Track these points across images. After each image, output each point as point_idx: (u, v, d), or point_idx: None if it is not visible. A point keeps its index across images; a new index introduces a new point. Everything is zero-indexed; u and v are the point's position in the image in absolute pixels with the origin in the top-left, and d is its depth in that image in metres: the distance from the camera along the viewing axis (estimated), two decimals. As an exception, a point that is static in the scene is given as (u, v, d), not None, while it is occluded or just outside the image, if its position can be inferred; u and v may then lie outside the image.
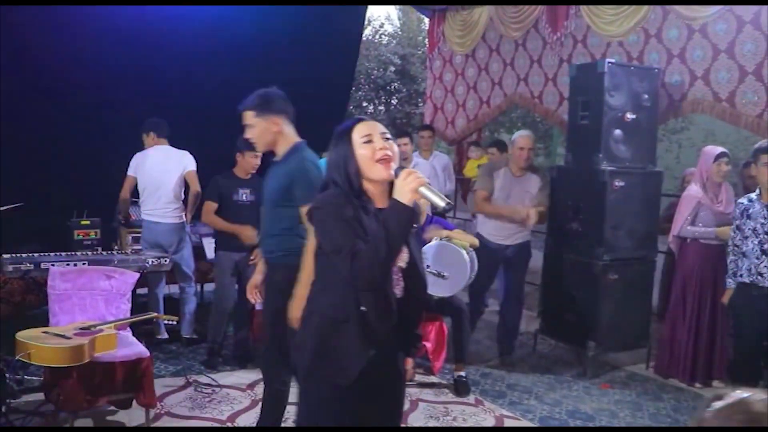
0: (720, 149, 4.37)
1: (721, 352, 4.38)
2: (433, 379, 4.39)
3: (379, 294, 1.88)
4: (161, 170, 4.69)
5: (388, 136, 1.99)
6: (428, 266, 4.05)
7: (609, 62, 4.49)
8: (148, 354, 3.35)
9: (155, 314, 3.78)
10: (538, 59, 6.34)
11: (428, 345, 4.34)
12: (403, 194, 1.79)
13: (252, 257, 4.24)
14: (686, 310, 4.35)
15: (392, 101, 12.74)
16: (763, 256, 3.69)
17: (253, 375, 4.26)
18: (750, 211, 3.79)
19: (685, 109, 4.96)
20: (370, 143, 1.94)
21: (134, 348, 3.37)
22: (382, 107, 12.81)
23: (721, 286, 4.19)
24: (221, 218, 4.36)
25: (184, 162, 4.77)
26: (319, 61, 6.25)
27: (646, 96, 4.63)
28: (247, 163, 4.36)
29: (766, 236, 3.69)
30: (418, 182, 1.81)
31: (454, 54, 7.48)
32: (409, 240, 1.94)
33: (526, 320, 5.93)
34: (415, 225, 1.96)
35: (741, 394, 1.08)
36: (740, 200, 3.91)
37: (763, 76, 4.46)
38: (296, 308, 2.34)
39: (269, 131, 2.87)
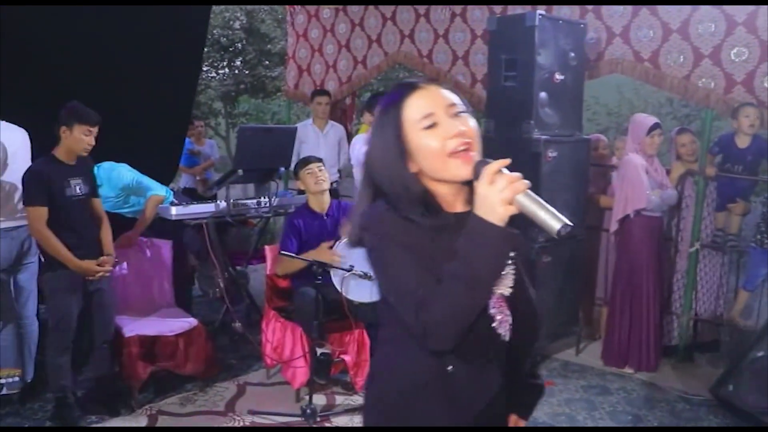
0: (653, 120, 4.04)
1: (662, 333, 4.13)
2: (358, 398, 3.61)
3: (474, 342, 1.21)
4: (19, 156, 3.34)
5: (460, 108, 1.22)
6: (352, 267, 3.40)
7: (540, 14, 3.90)
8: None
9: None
10: (426, 13, 5.63)
11: (348, 358, 3.63)
12: (491, 208, 1.11)
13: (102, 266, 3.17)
14: (634, 293, 3.96)
15: (236, 62, 11.36)
16: None
17: (128, 423, 3.19)
18: None
19: (602, 70, 4.54)
20: (434, 128, 1.21)
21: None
22: (225, 70, 11.40)
23: (664, 260, 3.98)
24: (51, 223, 3.03)
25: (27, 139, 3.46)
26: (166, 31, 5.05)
27: (573, 54, 4.14)
28: (76, 141, 3.07)
29: None
30: (515, 188, 1.12)
31: (320, 8, 6.54)
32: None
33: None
34: (512, 253, 1.27)
35: None
36: None
37: (689, 35, 4.13)
38: None
39: None
